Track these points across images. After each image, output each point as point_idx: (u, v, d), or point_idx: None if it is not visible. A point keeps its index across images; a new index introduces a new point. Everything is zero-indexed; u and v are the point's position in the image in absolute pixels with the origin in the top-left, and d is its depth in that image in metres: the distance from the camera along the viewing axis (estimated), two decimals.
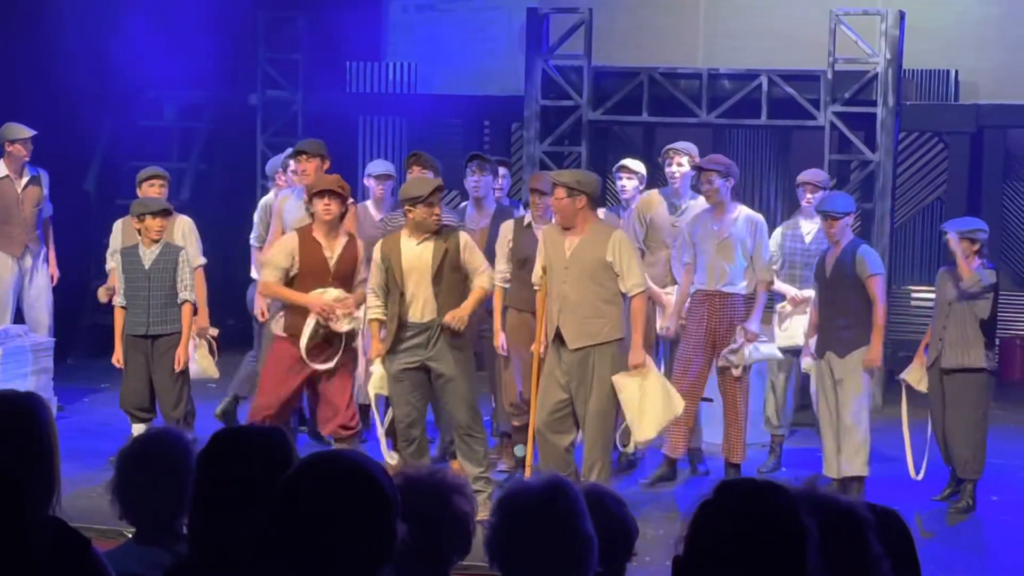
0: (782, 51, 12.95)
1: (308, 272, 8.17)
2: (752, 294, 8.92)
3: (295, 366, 8.21)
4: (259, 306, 9.28)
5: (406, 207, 7.99)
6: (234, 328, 11.83)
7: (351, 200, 8.76)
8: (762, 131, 13.02)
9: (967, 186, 13.68)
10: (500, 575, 3.28)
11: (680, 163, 9.30)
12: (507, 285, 8.81)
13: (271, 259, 8.31)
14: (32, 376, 9.83)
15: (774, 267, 9.31)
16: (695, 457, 9.39)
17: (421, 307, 7.99)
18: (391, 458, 8.20)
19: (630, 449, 8.43)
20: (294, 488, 2.80)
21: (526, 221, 8.89)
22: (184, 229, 9.54)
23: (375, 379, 8.17)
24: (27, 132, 10.55)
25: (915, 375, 8.94)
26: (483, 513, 4.32)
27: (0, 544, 2.86)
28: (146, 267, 8.88)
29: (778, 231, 9.70)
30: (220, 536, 3.25)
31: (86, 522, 5.67)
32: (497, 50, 14.26)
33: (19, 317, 10.79)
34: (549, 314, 8.14)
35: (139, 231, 8.92)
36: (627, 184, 9.56)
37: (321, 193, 8.16)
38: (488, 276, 8.14)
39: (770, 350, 9.06)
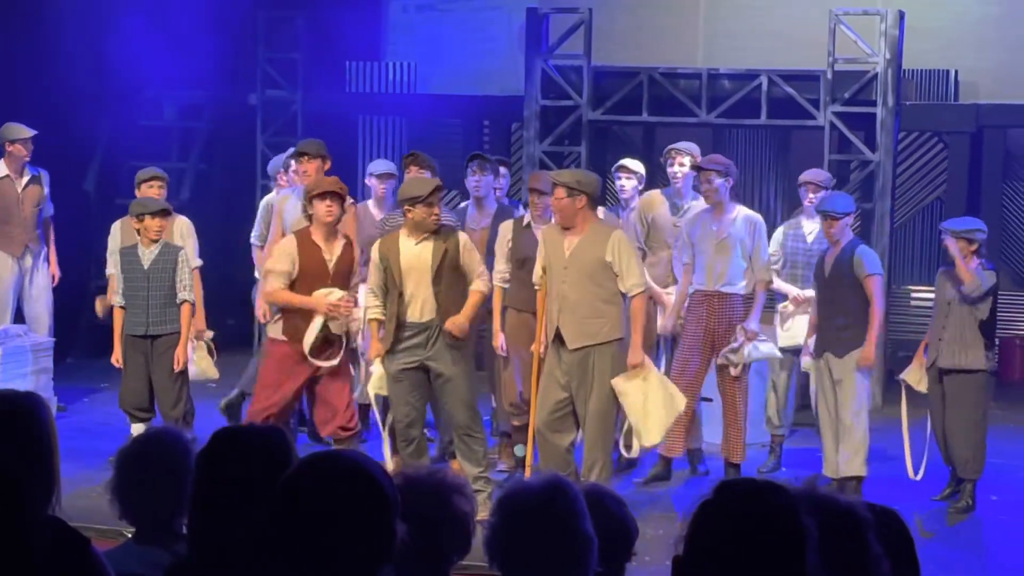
0: (782, 51, 12.95)
1: (308, 275, 8.17)
2: (751, 294, 8.91)
3: (295, 368, 8.21)
4: (261, 308, 9.28)
5: (405, 207, 7.99)
6: (234, 328, 11.83)
7: (349, 201, 8.76)
8: (762, 131, 13.01)
9: (967, 186, 13.67)
10: (500, 575, 3.28)
11: (682, 163, 9.29)
12: (506, 285, 8.80)
13: (273, 266, 8.28)
14: (32, 376, 9.83)
15: (775, 267, 9.31)
16: (695, 457, 9.38)
17: (420, 307, 7.98)
18: (391, 461, 8.20)
19: (634, 454, 8.42)
20: (294, 488, 2.80)
21: (525, 221, 8.88)
22: (183, 230, 9.55)
23: (375, 379, 8.17)
24: (27, 132, 10.55)
25: (915, 375, 8.95)
26: (483, 513, 4.32)
27: (0, 544, 2.86)
28: (145, 267, 8.88)
29: (780, 231, 9.70)
30: (220, 536, 3.25)
31: (86, 522, 5.66)
32: (497, 50, 14.25)
33: (19, 317, 10.80)
34: (549, 314, 8.14)
35: (138, 231, 8.92)
36: (626, 184, 9.56)
37: (323, 195, 8.14)
38: (485, 280, 8.13)
39: (769, 349, 9.05)
